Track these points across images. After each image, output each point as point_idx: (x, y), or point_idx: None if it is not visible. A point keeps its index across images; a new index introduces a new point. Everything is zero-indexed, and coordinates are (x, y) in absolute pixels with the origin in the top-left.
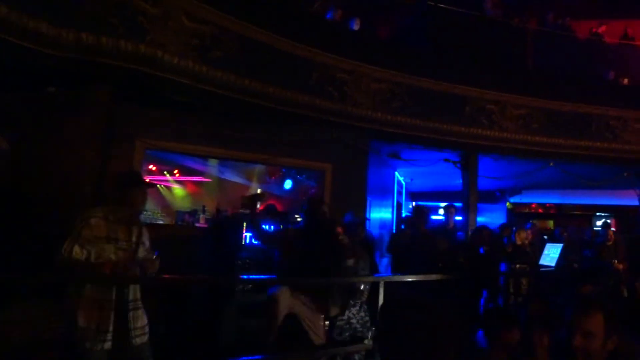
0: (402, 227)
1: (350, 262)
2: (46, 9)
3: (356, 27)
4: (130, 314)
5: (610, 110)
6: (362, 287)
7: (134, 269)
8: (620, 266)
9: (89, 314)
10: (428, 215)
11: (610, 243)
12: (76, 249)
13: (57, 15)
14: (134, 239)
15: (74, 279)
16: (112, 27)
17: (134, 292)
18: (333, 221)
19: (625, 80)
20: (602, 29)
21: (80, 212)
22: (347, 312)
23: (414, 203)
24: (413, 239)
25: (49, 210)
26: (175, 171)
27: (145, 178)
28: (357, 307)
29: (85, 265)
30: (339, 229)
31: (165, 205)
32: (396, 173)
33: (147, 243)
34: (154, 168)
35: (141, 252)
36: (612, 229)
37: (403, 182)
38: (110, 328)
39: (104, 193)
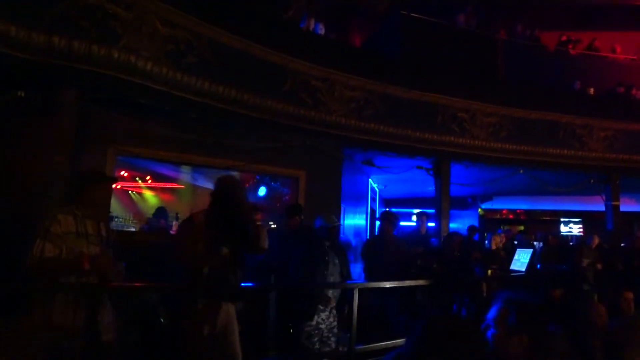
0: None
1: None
2: (15, 11)
3: (321, 31)
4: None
5: (577, 118)
6: (329, 294)
7: (112, 264)
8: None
9: (64, 312)
10: (396, 221)
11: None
12: (48, 246)
13: (27, 17)
14: (103, 233)
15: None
16: (84, 31)
17: None
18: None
19: (591, 90)
20: (563, 37)
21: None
22: (315, 317)
23: (385, 209)
24: (385, 244)
25: (15, 218)
26: (148, 177)
27: (107, 175)
28: (327, 313)
29: (58, 262)
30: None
31: (137, 212)
32: (370, 180)
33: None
34: (125, 174)
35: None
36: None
37: (377, 189)
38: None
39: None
